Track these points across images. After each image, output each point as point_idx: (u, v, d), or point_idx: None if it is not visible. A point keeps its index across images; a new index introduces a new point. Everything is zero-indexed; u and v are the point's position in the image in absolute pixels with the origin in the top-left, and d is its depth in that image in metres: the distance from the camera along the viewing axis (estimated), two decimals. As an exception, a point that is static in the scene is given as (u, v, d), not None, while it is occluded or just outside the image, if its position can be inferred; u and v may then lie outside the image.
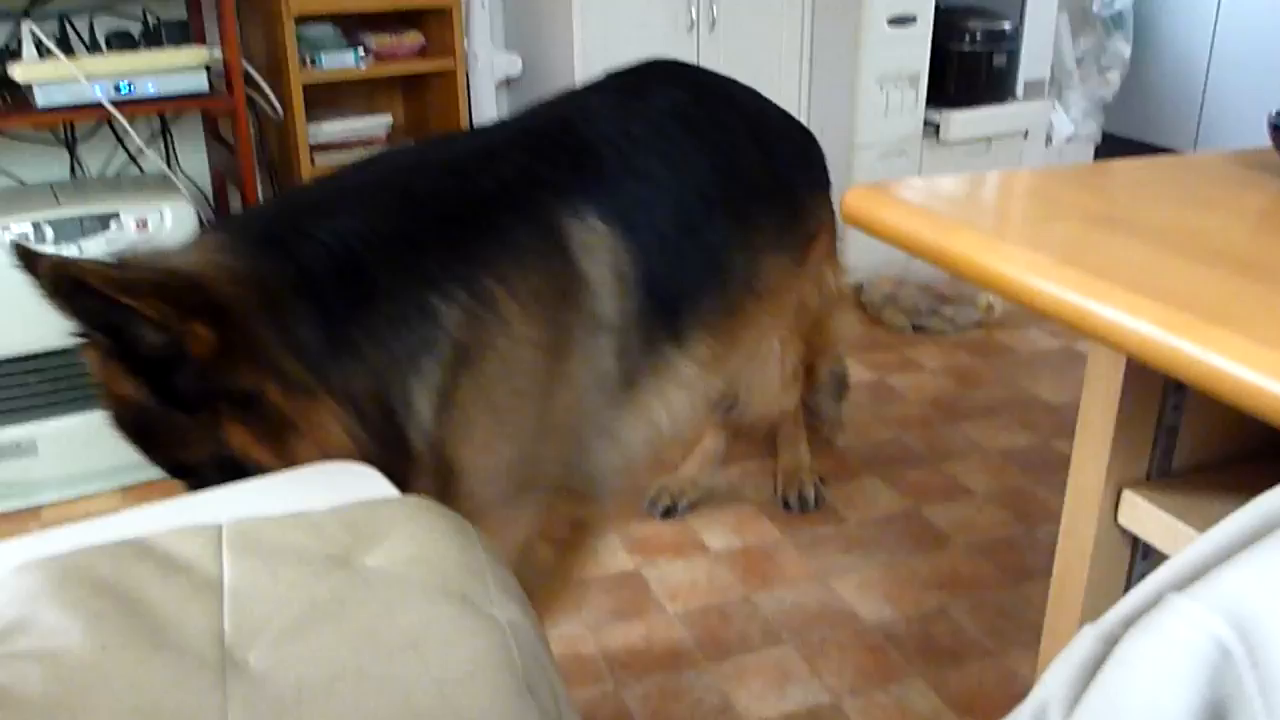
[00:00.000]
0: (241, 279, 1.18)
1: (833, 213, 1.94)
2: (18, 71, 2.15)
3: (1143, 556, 1.06)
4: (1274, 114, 1.15)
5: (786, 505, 2.20)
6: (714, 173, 1.61)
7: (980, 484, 2.30)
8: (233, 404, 1.18)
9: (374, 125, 2.74)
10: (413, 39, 2.71)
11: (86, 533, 1.17)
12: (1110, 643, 0.43)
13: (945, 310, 3.05)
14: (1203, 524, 0.95)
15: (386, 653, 0.89)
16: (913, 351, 2.96)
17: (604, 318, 1.39)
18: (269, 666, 0.88)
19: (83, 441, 2.26)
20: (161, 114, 2.69)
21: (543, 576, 1.52)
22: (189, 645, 0.89)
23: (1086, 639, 0.45)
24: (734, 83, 1.86)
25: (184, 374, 1.16)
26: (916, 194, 1.01)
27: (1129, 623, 0.43)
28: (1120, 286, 0.78)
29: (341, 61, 2.59)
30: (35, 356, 2.17)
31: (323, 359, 1.20)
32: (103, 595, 0.94)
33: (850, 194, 1.01)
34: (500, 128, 1.63)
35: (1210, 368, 0.69)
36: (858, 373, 2.82)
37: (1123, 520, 1.02)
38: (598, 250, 1.37)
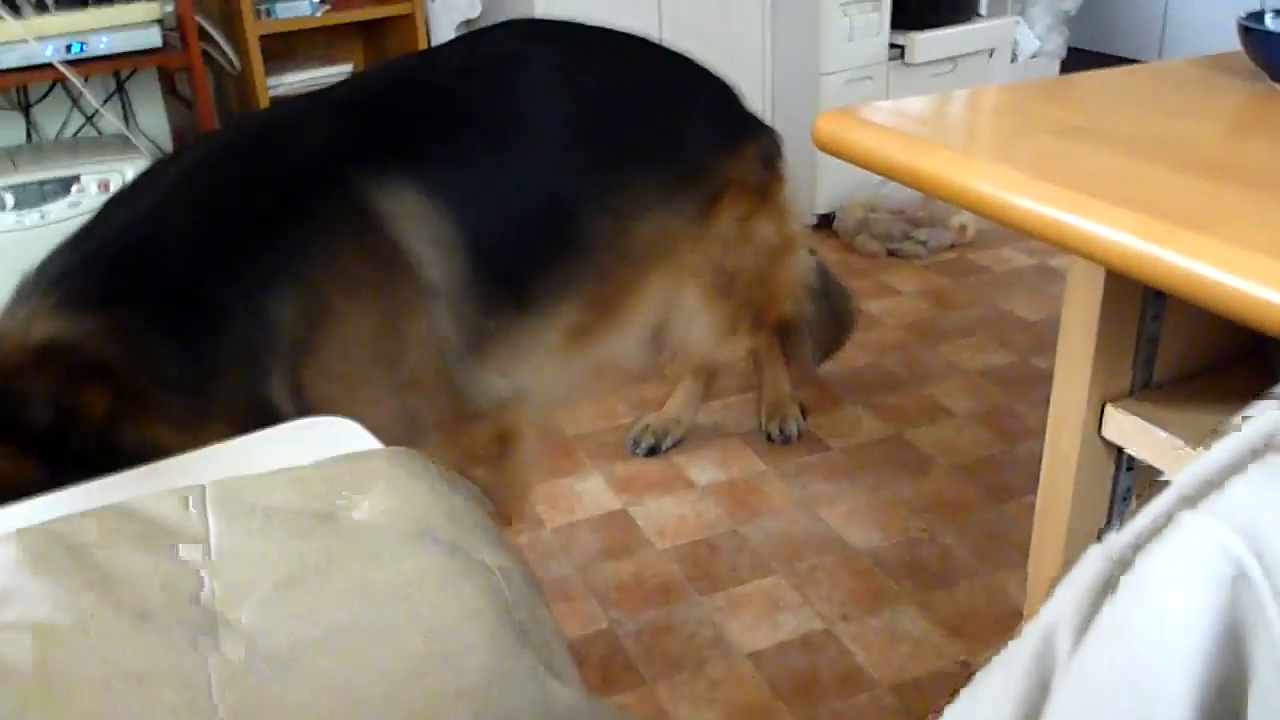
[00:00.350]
0: (105, 333, 1.20)
1: (767, 163, 1.89)
2: (-38, 35, 2.09)
3: (1127, 469, 1.07)
4: (1244, 15, 1.14)
5: (769, 438, 2.21)
6: (572, 133, 1.57)
7: (961, 405, 2.31)
8: (130, 458, 1.19)
9: (335, 74, 2.69)
10: (367, -17, 2.65)
11: (67, 500, 1.16)
12: (1121, 564, 0.43)
13: (918, 234, 3.04)
14: (1186, 434, 0.95)
15: (378, 604, 0.89)
16: (888, 277, 2.96)
17: (432, 285, 1.39)
18: (261, 625, 0.88)
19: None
20: (116, 72, 2.63)
21: (488, 495, 1.54)
22: (177, 609, 0.89)
23: (1095, 559, 0.44)
24: (621, 37, 1.81)
25: (76, 441, 1.16)
26: (886, 116, 1.00)
27: (1139, 544, 0.43)
28: (1096, 197, 0.77)
29: (297, 10, 2.54)
30: None
31: (196, 389, 1.22)
32: (87, 563, 0.94)
33: (820, 120, 1.00)
34: (311, 99, 1.60)
35: (1192, 275, 0.69)
36: (835, 301, 2.82)
37: (1107, 434, 1.02)
38: (412, 220, 1.37)
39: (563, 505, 2.03)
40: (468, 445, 1.51)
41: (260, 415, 1.26)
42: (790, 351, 2.22)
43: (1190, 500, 0.41)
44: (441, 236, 1.39)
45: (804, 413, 2.26)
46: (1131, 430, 0.99)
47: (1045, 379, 2.37)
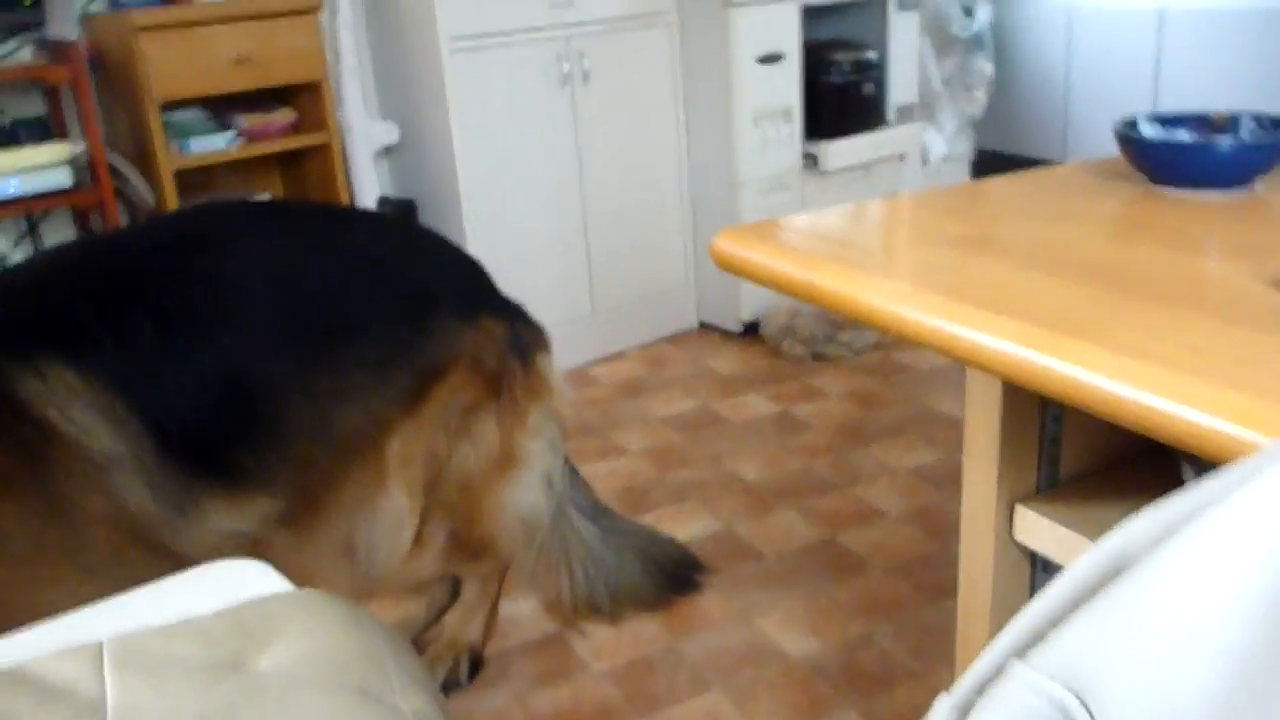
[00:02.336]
0: None
1: (514, 353, 1.69)
2: None
3: (1043, 569, 1.07)
4: (1119, 123, 1.20)
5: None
6: (267, 311, 1.47)
7: (892, 505, 2.32)
8: None
9: (252, 205, 2.69)
10: (284, 116, 2.68)
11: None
12: (964, 711, 0.43)
13: (842, 336, 3.09)
14: (1094, 531, 0.96)
15: (285, 759, 0.85)
16: (814, 380, 2.99)
17: (114, 459, 1.33)
18: (161, 789, 0.83)
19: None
20: (28, 214, 2.60)
21: None
22: (73, 777, 0.84)
23: (943, 709, 0.44)
24: (348, 215, 1.72)
25: None
26: (784, 233, 1.02)
27: (981, 689, 0.43)
28: (983, 308, 0.79)
29: (212, 145, 2.55)
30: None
31: None
32: (-24, 734, 0.89)
33: (718, 239, 1.01)
34: None
35: (1074, 381, 0.70)
36: (762, 406, 2.84)
37: (1018, 535, 1.03)
38: (76, 401, 1.31)
39: (496, 632, 1.98)
40: None
41: None
42: (497, 598, 1.91)
43: (1020, 648, 0.41)
44: (113, 413, 1.32)
45: (477, 666, 1.87)
46: (1041, 530, 0.99)
47: (973, 474, 2.41)
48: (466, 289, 1.69)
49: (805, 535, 2.23)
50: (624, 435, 2.75)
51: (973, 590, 1.08)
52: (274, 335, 1.47)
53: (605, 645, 1.93)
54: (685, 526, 2.28)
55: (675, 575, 2.04)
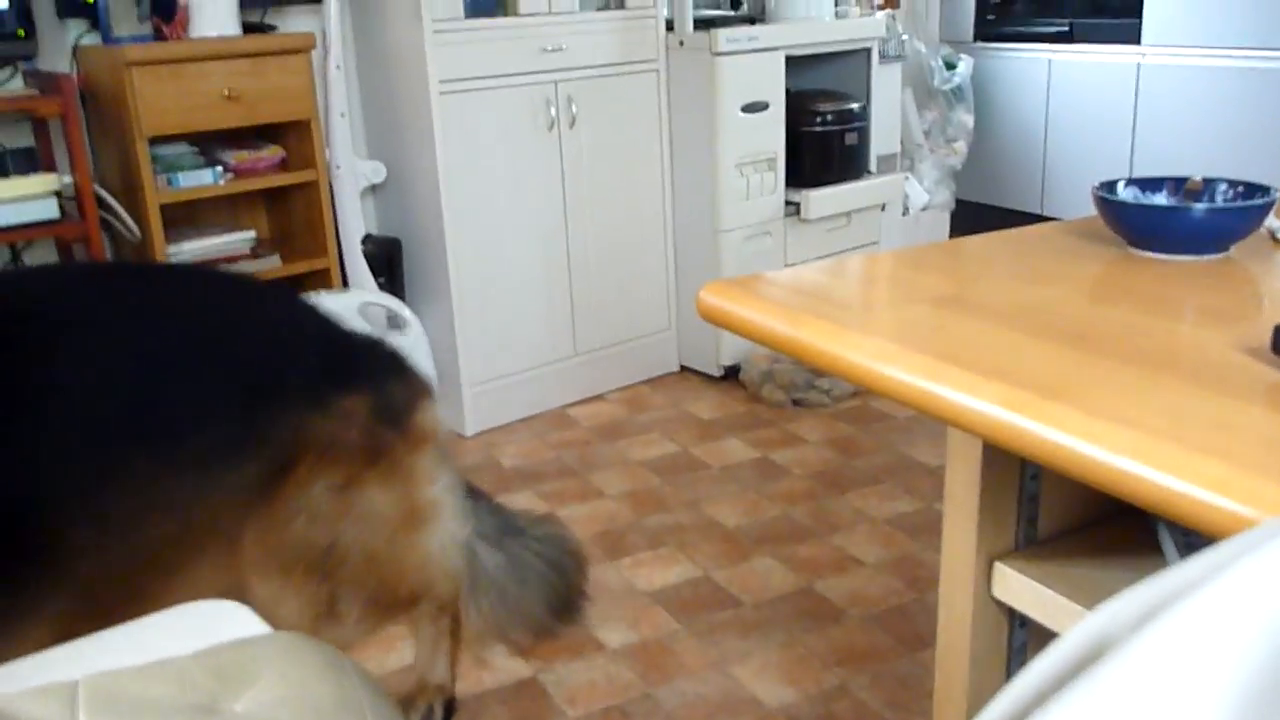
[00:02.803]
0: None
1: (387, 420, 1.53)
2: None
3: (1020, 625, 1.08)
4: (1097, 186, 1.22)
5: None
6: (51, 406, 1.28)
7: (870, 554, 2.33)
8: None
9: (236, 241, 2.70)
10: (272, 153, 2.69)
11: (-72, 704, 1.09)
12: None
13: (821, 383, 3.11)
14: (1071, 590, 0.97)
15: (260, 806, 0.84)
16: (793, 426, 3.00)
17: None
18: (132, 834, 0.82)
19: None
20: (12, 244, 2.60)
21: None
22: (43, 821, 0.83)
23: None
24: (186, 281, 1.54)
25: None
26: (768, 287, 1.03)
27: None
28: (964, 368, 0.81)
29: (199, 180, 2.55)
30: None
31: None
32: (-55, 775, 0.88)
33: (703, 293, 1.03)
34: None
35: (1052, 445, 0.71)
36: (741, 452, 2.85)
37: (996, 592, 1.04)
38: None
39: (471, 676, 1.97)
40: None
41: None
42: (455, 634, 1.85)
43: None
44: None
45: (450, 710, 1.85)
46: (1019, 588, 1.00)
47: (950, 524, 2.42)
48: (316, 368, 1.50)
49: (783, 583, 2.24)
50: (602, 477, 2.75)
51: (951, 645, 1.09)
52: (66, 437, 1.27)
53: (580, 690, 1.92)
54: (662, 572, 2.28)
55: (569, 604, 1.90)
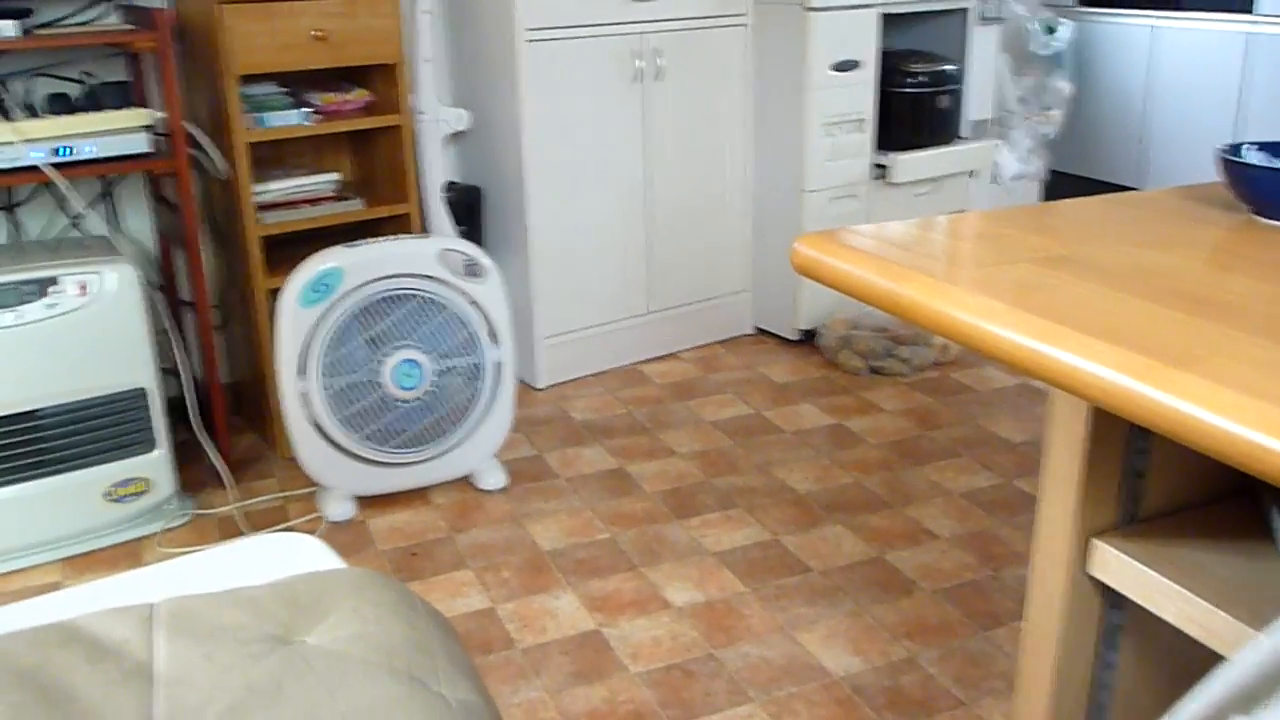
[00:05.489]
0: None
1: None
2: (-51, 137, 2.09)
3: (1114, 607, 1.03)
4: (1222, 147, 1.15)
5: None
6: None
7: (944, 527, 2.28)
8: None
9: (321, 182, 2.70)
10: (359, 96, 2.69)
11: (11, 616, 1.11)
12: None
13: (901, 351, 3.04)
14: (1174, 572, 0.92)
15: (329, 738, 0.84)
16: (870, 394, 2.95)
17: None
18: (203, 758, 0.82)
19: (22, 512, 2.18)
20: (103, 176, 2.64)
21: None
22: (118, 738, 0.84)
23: None
24: None
25: None
26: (865, 240, 0.99)
27: None
28: (1078, 330, 0.76)
29: (286, 120, 2.56)
30: (-31, 429, 2.10)
31: None
32: (25, 686, 0.89)
33: (798, 244, 0.99)
34: None
35: (1176, 413, 0.67)
36: (815, 417, 2.80)
37: (1092, 570, 0.99)
38: None
39: (535, 625, 1.97)
40: None
41: None
42: None
43: (1241, 703, 0.38)
44: None
45: None
46: (1118, 567, 0.96)
47: (1029, 502, 2.36)
48: None
49: (853, 551, 2.20)
50: (674, 436, 2.73)
51: (1040, 622, 1.04)
52: None
53: (643, 646, 1.91)
54: (731, 534, 2.26)
55: None
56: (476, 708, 0.92)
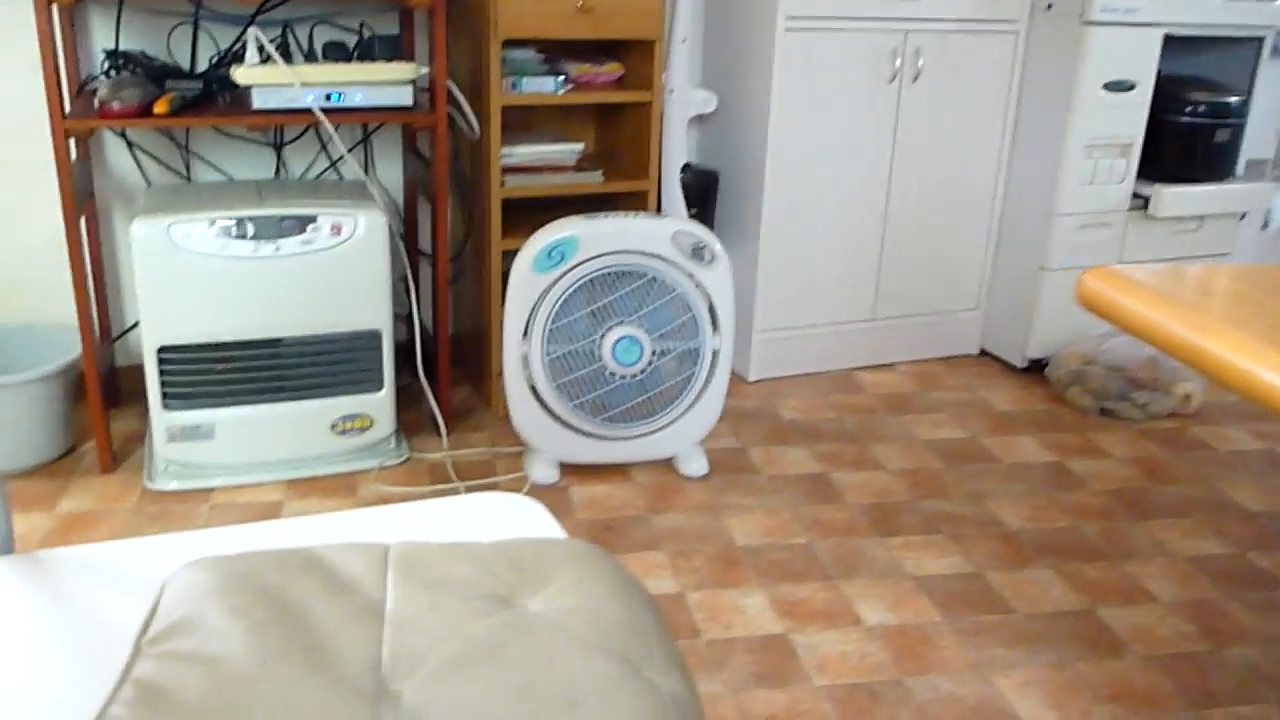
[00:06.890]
0: None
1: None
2: (239, 74, 2.24)
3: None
4: None
5: None
6: None
7: (1165, 590, 2.12)
8: None
9: (565, 151, 2.75)
10: (612, 70, 2.72)
11: (258, 535, 1.17)
12: None
13: (1137, 396, 2.86)
14: None
15: (542, 707, 0.84)
16: (1097, 436, 2.78)
17: None
18: (422, 703, 0.84)
19: (256, 432, 2.33)
20: (365, 124, 2.77)
21: None
22: (345, 669, 0.87)
23: None
24: None
25: None
26: (1165, 282, 0.91)
27: None
28: None
29: (540, 87, 2.61)
30: (221, 346, 2.25)
31: None
32: (268, 604, 0.93)
33: (1089, 276, 0.92)
34: None
35: None
36: (1035, 452, 2.67)
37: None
38: None
39: (722, 619, 1.96)
40: None
41: None
42: None
43: None
44: None
45: None
46: None
47: (1264, 579, 2.17)
48: None
49: (1062, 600, 2.08)
50: (883, 450, 2.65)
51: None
52: None
53: (830, 660, 1.86)
54: (933, 560, 2.17)
55: None
56: (686, 700, 0.91)
